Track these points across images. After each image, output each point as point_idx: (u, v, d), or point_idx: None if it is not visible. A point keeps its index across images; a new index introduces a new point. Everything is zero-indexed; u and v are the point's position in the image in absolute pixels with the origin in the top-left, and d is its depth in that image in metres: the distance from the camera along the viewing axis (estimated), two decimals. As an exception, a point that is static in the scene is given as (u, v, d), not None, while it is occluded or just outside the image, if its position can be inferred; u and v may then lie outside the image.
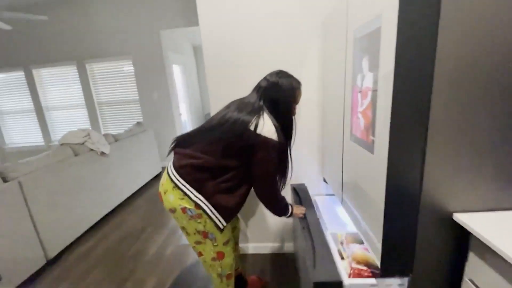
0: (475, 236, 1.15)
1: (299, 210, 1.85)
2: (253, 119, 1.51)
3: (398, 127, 1.09)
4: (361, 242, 1.62)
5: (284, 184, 1.75)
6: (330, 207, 2.06)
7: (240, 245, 2.57)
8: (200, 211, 1.53)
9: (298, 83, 1.65)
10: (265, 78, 1.66)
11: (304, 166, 2.30)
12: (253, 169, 1.55)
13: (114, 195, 3.65)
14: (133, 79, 5.17)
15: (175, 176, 1.56)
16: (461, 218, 1.15)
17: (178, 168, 1.56)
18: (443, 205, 1.17)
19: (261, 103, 1.59)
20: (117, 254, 2.75)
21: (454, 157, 1.13)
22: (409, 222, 1.18)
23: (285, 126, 1.64)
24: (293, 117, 1.69)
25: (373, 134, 1.22)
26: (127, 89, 5.26)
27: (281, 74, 1.65)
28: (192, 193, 1.52)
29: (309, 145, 2.26)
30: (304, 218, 1.82)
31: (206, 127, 1.61)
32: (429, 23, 1.03)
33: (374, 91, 1.19)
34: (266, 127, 1.50)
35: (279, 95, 1.60)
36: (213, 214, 1.55)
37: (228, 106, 1.65)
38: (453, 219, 1.19)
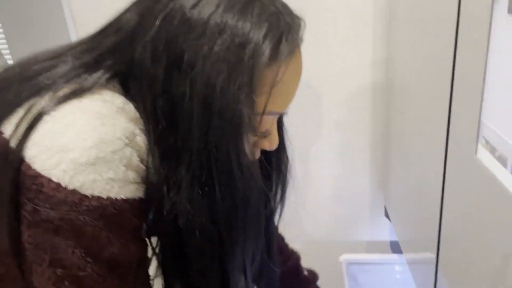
0: None
1: None
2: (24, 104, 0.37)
3: None
4: None
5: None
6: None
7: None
8: None
9: (286, 37, 0.40)
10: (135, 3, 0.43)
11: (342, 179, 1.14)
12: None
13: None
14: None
15: None
16: None
17: None
18: None
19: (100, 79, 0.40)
20: None
21: None
22: None
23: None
24: (249, 167, 0.42)
25: None
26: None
27: None
28: None
29: (354, 135, 1.08)
30: None
31: None
32: None
33: None
34: (70, 135, 0.35)
35: (178, 87, 0.38)
36: None
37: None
38: None
